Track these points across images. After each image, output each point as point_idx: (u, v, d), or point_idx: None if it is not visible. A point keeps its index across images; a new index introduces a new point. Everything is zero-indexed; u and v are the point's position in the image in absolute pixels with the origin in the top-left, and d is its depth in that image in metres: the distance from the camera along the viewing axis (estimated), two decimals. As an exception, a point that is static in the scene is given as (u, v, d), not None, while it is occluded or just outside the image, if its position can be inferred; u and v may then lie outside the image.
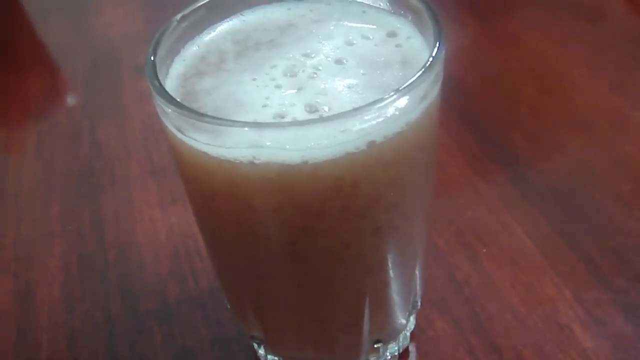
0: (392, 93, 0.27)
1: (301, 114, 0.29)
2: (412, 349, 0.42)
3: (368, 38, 0.33)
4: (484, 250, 0.48)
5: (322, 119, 0.26)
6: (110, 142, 0.62)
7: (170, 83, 0.32)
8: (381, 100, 0.27)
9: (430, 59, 0.28)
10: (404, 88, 0.27)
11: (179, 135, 0.29)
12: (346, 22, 0.35)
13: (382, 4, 0.35)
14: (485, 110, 0.59)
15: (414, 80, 0.27)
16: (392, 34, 0.33)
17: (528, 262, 0.46)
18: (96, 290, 0.49)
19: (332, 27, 0.34)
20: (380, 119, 0.27)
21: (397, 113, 0.27)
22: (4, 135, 0.66)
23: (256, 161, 0.27)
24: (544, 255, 0.47)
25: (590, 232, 0.48)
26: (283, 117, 0.29)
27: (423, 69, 0.28)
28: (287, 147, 0.27)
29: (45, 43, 0.81)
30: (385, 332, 0.38)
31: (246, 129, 0.27)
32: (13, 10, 0.86)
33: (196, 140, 0.28)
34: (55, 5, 0.86)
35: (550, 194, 0.51)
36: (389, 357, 0.41)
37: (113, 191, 0.57)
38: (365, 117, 0.27)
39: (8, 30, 0.82)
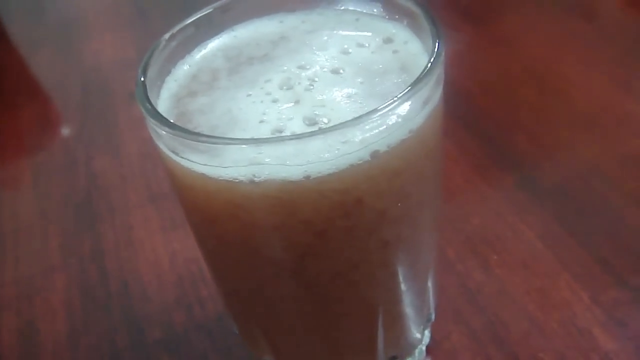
0: (394, 99, 0.26)
1: (300, 128, 0.28)
2: (428, 363, 0.41)
3: (364, 46, 0.32)
4: (495, 257, 0.46)
5: (322, 131, 0.25)
6: (106, 172, 0.61)
7: (163, 104, 0.31)
8: (383, 107, 0.25)
9: (431, 61, 0.27)
10: (406, 94, 0.26)
11: (174, 157, 0.28)
12: (340, 31, 0.34)
13: (375, 10, 0.34)
14: (486, 115, 0.58)
15: (415, 85, 0.26)
16: (388, 40, 0.32)
17: (541, 266, 0.45)
18: (101, 323, 0.47)
19: (325, 37, 0.33)
20: (383, 128, 0.26)
21: (400, 120, 0.26)
22: (-2, 171, 0.65)
23: (256, 179, 0.26)
24: (557, 258, 0.45)
25: (602, 231, 0.47)
26: (281, 132, 0.28)
27: (424, 73, 0.27)
28: (288, 162, 0.26)
29: (36, 75, 0.80)
30: (400, 348, 0.37)
31: (244, 146, 0.26)
32: (1, 45, 0.85)
33: (193, 162, 0.27)
34: (43, 36, 0.85)
35: (559, 195, 0.50)
36: (406, 374, 0.39)
37: (112, 220, 0.55)
38: (367, 126, 0.26)
39: (-3, 65, 0.81)
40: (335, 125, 0.25)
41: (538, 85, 0.61)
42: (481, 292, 0.44)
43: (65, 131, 0.69)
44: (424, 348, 0.40)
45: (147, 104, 0.28)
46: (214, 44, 0.34)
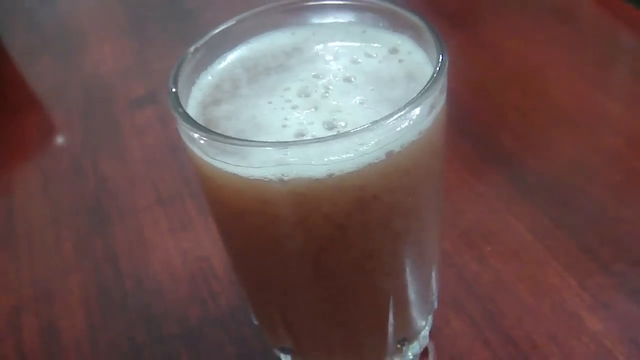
0: (406, 106, 0.29)
1: (320, 131, 0.31)
2: (431, 347, 0.44)
3: (372, 56, 0.36)
4: (489, 248, 0.50)
5: (344, 135, 0.28)
6: (114, 177, 0.63)
7: (191, 111, 0.34)
8: (397, 112, 0.29)
9: (437, 71, 0.30)
10: (416, 100, 0.29)
11: (206, 159, 0.31)
12: (349, 42, 0.37)
13: (381, 23, 0.37)
14: (476, 116, 0.62)
15: (424, 93, 0.29)
16: (393, 51, 0.36)
17: (532, 256, 0.49)
18: (119, 320, 0.50)
19: (336, 48, 0.36)
20: (397, 130, 0.29)
21: (411, 123, 0.29)
22: (7, 179, 0.67)
23: (285, 178, 0.29)
24: (546, 248, 0.49)
25: (587, 222, 0.50)
26: (303, 135, 0.31)
27: (430, 81, 0.30)
28: (313, 162, 0.29)
29: (37, 85, 0.82)
30: (408, 333, 0.40)
31: (274, 149, 0.29)
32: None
33: (225, 163, 0.30)
34: (41, 47, 0.87)
35: (546, 190, 0.53)
36: (411, 357, 0.42)
37: (123, 223, 0.58)
38: (383, 130, 0.29)
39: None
40: (356, 129, 0.28)
41: (522, 87, 0.64)
42: (477, 281, 0.47)
43: (70, 139, 0.72)
44: (427, 333, 0.43)
45: (181, 110, 0.31)
46: (232, 56, 0.37)
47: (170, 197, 0.60)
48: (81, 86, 0.78)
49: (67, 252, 0.57)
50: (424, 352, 0.44)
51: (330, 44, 0.37)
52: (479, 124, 0.61)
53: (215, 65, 0.37)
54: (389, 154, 0.29)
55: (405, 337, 0.40)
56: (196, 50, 0.35)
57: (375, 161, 0.29)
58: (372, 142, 0.29)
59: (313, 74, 0.35)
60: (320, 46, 0.37)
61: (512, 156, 0.57)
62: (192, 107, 0.34)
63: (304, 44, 0.37)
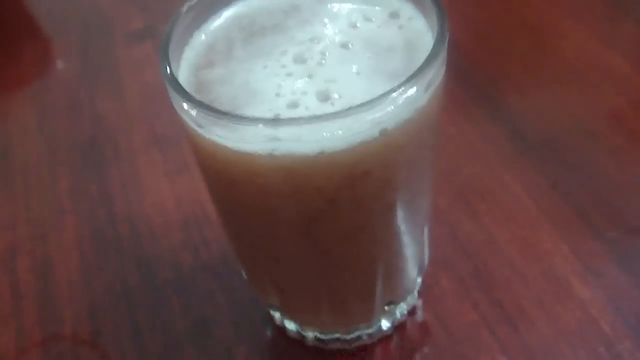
0: (402, 84, 0.28)
1: (313, 103, 0.30)
2: (419, 306, 0.45)
3: (370, 20, 0.34)
4: (483, 207, 0.49)
5: (337, 114, 0.27)
6: (110, 114, 0.63)
7: (183, 74, 0.33)
8: (391, 91, 0.28)
9: (435, 47, 0.29)
10: (413, 78, 0.28)
11: (198, 129, 0.30)
12: (348, 3, 0.35)
13: (382, -17, 0.35)
14: (480, 66, 0.61)
15: (421, 71, 0.29)
16: (394, 15, 0.34)
17: (526, 217, 0.48)
18: (112, 263, 0.50)
19: (335, 9, 0.35)
20: (391, 108, 0.28)
21: (407, 101, 0.29)
22: (4, 112, 0.66)
23: (275, 153, 0.29)
24: (541, 211, 0.49)
25: (584, 186, 0.50)
26: (296, 106, 0.30)
27: (429, 58, 0.29)
28: (304, 139, 0.28)
29: (35, 13, 0.80)
30: (396, 296, 0.40)
31: (264, 125, 0.28)
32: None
33: (216, 135, 0.30)
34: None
35: (545, 150, 0.53)
36: (399, 317, 0.43)
37: (118, 163, 0.58)
38: (378, 108, 0.28)
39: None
40: (348, 109, 0.27)
41: (529, 38, 0.63)
42: (469, 241, 0.47)
43: (67, 71, 0.71)
44: (416, 293, 0.44)
45: (172, 79, 0.30)
46: (228, 13, 0.36)
47: (167, 138, 0.59)
48: (79, 15, 0.76)
49: (62, 191, 0.57)
50: (413, 311, 0.44)
51: (328, 4, 0.36)
52: (483, 75, 0.60)
53: (209, 23, 0.36)
54: (383, 132, 0.29)
55: (393, 300, 0.40)
56: (190, 8, 0.34)
57: (368, 139, 0.29)
58: (366, 121, 0.28)
59: (310, 37, 0.34)
60: (319, 5, 0.36)
61: (514, 112, 0.56)
62: (184, 69, 0.33)
63: (302, 1, 0.36)
